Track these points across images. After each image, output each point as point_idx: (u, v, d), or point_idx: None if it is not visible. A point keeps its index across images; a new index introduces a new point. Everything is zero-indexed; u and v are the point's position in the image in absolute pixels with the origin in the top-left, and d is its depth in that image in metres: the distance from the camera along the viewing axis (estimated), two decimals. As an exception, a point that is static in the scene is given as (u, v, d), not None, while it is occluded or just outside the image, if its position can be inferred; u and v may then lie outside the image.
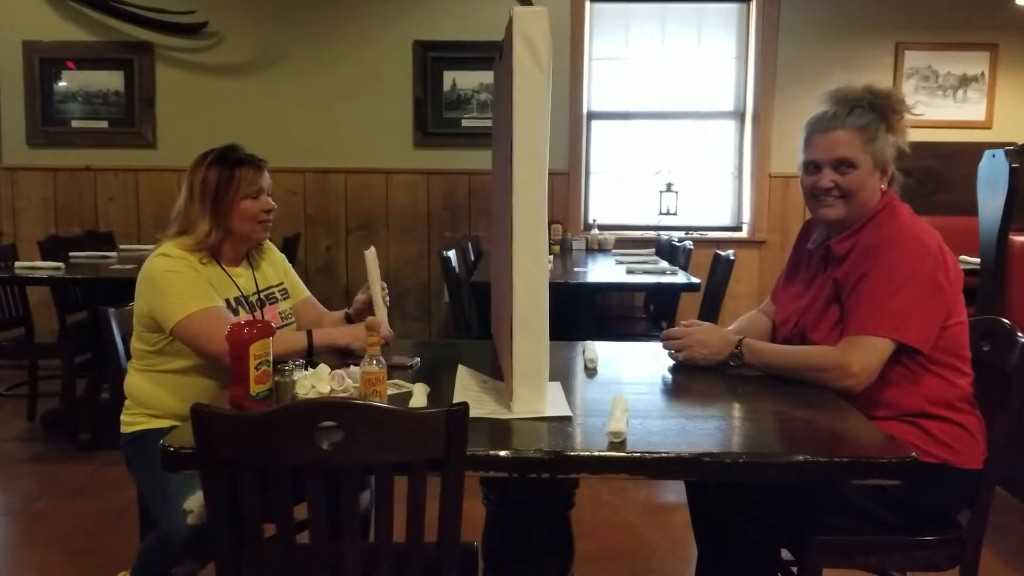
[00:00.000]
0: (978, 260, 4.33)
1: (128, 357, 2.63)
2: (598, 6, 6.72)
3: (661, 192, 6.72)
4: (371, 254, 2.62)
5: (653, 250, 6.29)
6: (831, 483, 2.07)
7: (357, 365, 1.96)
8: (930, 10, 6.50)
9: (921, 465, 1.83)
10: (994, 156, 4.13)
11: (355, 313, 2.78)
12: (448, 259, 4.59)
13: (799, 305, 2.40)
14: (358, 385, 1.92)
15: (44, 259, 5.07)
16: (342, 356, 2.46)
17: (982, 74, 6.56)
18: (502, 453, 1.67)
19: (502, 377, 2.14)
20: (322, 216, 6.69)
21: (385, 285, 2.67)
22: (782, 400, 2.09)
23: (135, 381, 2.58)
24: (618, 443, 1.70)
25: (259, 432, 1.53)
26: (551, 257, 5.65)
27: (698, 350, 2.35)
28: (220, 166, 2.62)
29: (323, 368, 2.00)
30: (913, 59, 6.54)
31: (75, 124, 6.63)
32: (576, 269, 5.24)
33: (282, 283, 2.87)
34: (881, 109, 2.31)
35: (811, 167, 2.35)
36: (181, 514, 2.26)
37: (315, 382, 1.94)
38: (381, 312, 2.58)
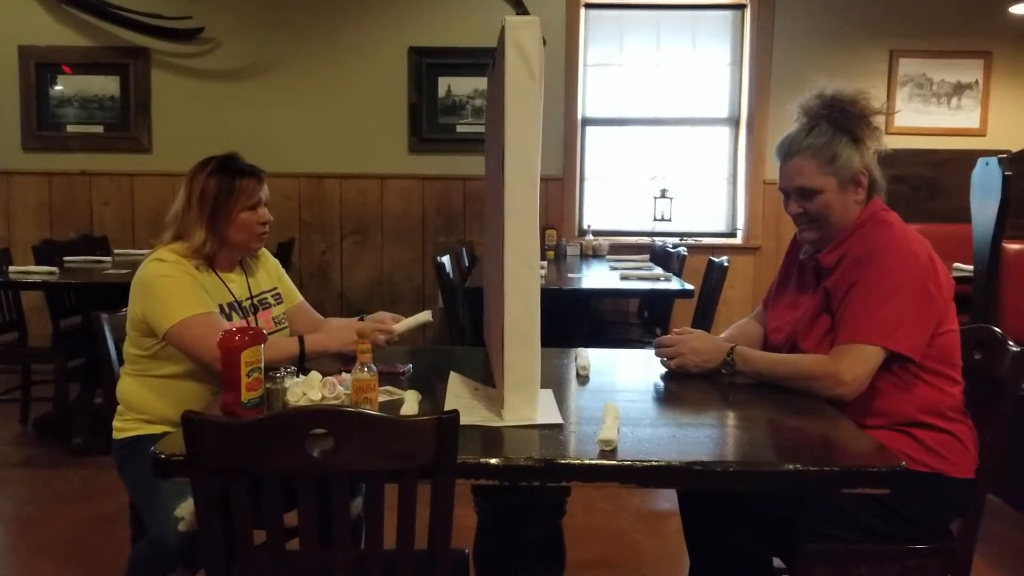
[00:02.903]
0: (971, 267, 4.35)
1: (121, 362, 2.62)
2: (593, 12, 6.73)
3: (655, 198, 6.73)
4: (425, 315, 2.66)
5: (647, 256, 6.30)
6: (822, 492, 2.07)
7: (349, 372, 1.97)
8: (924, 18, 6.53)
9: (912, 474, 1.84)
10: (987, 164, 4.15)
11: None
12: (442, 265, 4.59)
13: (791, 314, 2.40)
14: (349, 392, 1.92)
15: (38, 263, 5.06)
16: (346, 361, 2.46)
17: (976, 82, 6.58)
18: (493, 461, 1.66)
19: (494, 384, 2.14)
20: (317, 221, 6.70)
21: (399, 336, 2.64)
22: (773, 408, 2.09)
23: (128, 386, 2.57)
24: (609, 451, 1.70)
25: (250, 439, 1.53)
26: (545, 263, 5.67)
27: (690, 358, 2.35)
28: (221, 176, 2.61)
29: (314, 375, 2.01)
30: (907, 67, 6.56)
31: (70, 129, 6.62)
32: (570, 275, 5.24)
33: (275, 288, 2.87)
34: (841, 123, 2.31)
35: (782, 194, 2.40)
36: (172, 521, 2.26)
37: (306, 389, 1.94)
38: (404, 324, 2.60)
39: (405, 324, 2.61)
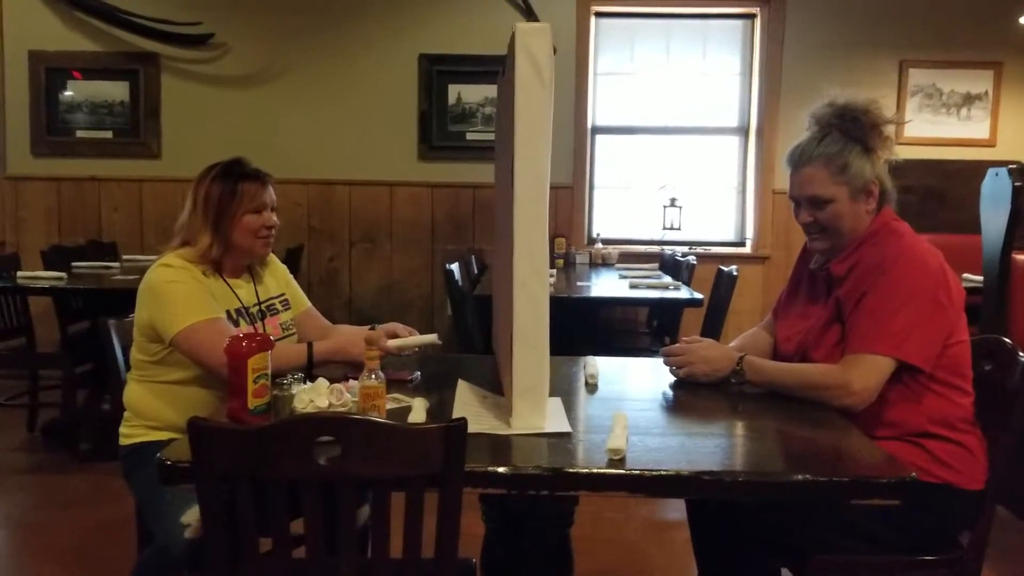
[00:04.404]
0: (981, 278, 4.33)
1: (128, 368, 2.62)
2: (604, 21, 6.73)
3: (665, 207, 6.73)
4: (432, 337, 2.63)
5: (657, 265, 6.29)
6: (831, 502, 2.05)
7: (356, 379, 1.96)
8: (934, 28, 6.51)
9: (922, 485, 1.83)
10: (997, 175, 4.13)
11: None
12: (451, 272, 4.58)
13: (801, 324, 2.39)
14: (357, 399, 1.91)
15: (47, 269, 5.08)
16: (354, 368, 2.45)
17: (986, 92, 6.56)
18: (501, 469, 1.65)
19: (502, 392, 2.13)
20: (326, 228, 6.70)
21: (396, 352, 2.59)
22: (783, 418, 2.08)
23: (134, 392, 2.57)
24: (617, 460, 1.69)
25: (256, 447, 1.52)
26: (554, 271, 5.65)
27: (699, 366, 2.34)
28: (224, 180, 2.61)
29: (322, 382, 2.00)
30: (917, 77, 6.54)
31: (80, 134, 6.64)
32: (579, 283, 5.24)
33: (283, 294, 2.87)
34: (853, 132, 2.30)
35: (793, 202, 2.38)
36: (178, 528, 2.25)
37: (313, 396, 1.94)
38: (405, 341, 2.56)
39: (403, 342, 2.58)
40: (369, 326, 2.77)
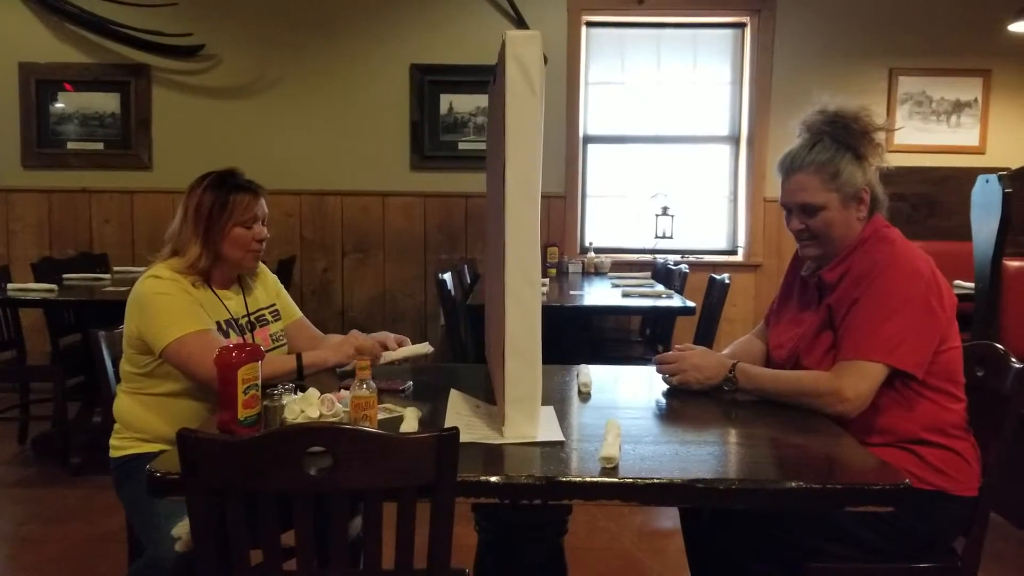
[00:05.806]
0: (972, 285, 4.33)
1: (118, 380, 2.61)
2: (594, 31, 6.74)
3: (657, 215, 6.73)
4: (424, 347, 2.64)
5: (649, 273, 6.29)
6: (825, 510, 2.05)
7: (348, 389, 1.95)
8: (924, 36, 6.54)
9: (916, 492, 1.82)
10: (987, 181, 4.14)
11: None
12: (444, 282, 4.57)
13: (793, 331, 2.39)
14: (348, 409, 1.90)
15: (38, 281, 5.06)
16: (342, 378, 2.44)
17: (975, 100, 6.58)
18: (493, 479, 1.65)
19: (495, 401, 2.12)
20: (318, 238, 6.69)
21: (401, 360, 2.62)
22: (776, 426, 2.07)
23: (124, 404, 2.55)
24: (610, 469, 1.68)
25: (246, 458, 1.51)
26: (547, 280, 5.66)
27: (692, 374, 2.33)
28: (216, 190, 2.60)
29: (312, 392, 1.99)
30: (907, 85, 6.57)
31: (71, 146, 6.63)
32: (572, 292, 5.23)
33: (273, 304, 2.86)
34: (844, 139, 2.30)
35: (784, 209, 2.38)
36: (169, 540, 2.23)
37: (304, 406, 1.92)
38: (396, 354, 2.57)
39: (395, 354, 2.58)
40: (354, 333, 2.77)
